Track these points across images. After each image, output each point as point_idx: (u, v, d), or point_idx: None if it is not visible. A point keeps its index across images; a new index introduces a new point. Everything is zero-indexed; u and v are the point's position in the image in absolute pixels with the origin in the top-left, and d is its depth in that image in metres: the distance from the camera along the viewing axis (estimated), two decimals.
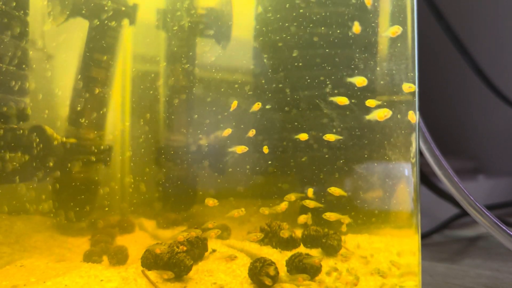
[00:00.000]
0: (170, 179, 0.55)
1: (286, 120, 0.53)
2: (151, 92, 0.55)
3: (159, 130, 0.56)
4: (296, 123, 0.53)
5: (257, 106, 0.50)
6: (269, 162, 0.53)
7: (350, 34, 0.48)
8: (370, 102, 0.51)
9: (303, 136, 0.49)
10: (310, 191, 0.49)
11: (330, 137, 0.49)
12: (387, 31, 0.48)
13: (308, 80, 0.50)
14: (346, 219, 0.52)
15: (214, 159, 0.54)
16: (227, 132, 0.53)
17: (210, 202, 0.50)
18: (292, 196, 0.49)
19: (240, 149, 0.53)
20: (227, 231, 0.51)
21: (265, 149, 0.50)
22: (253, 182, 0.53)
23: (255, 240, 0.49)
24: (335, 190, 0.48)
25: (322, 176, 0.50)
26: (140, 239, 0.51)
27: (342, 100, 0.49)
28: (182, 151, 0.55)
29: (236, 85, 0.54)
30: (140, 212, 0.54)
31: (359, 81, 0.48)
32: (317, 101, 0.53)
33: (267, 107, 0.53)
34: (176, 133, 0.55)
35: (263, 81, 0.54)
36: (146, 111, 0.55)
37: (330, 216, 0.48)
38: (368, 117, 0.48)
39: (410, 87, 0.47)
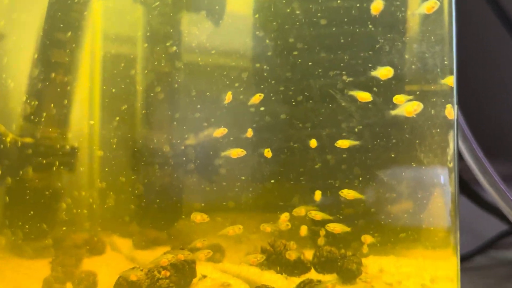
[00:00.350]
0: (150, 188, 0.54)
1: (293, 116, 0.53)
2: (126, 80, 0.54)
3: (137, 128, 0.54)
4: (305, 120, 0.52)
5: (258, 98, 0.51)
6: (273, 168, 0.52)
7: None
8: (398, 98, 0.50)
9: (312, 143, 0.50)
10: (317, 195, 0.50)
11: (343, 143, 0.50)
12: (421, 7, 0.48)
13: (320, 67, 0.51)
14: (367, 238, 0.51)
15: (205, 163, 0.53)
16: (221, 132, 0.52)
17: (198, 217, 0.50)
18: (302, 210, 0.51)
19: (236, 153, 0.51)
20: (220, 252, 0.52)
21: (267, 153, 0.51)
22: (253, 192, 0.53)
23: (255, 263, 0.51)
24: (348, 193, 0.49)
25: (338, 184, 0.51)
26: (112, 262, 0.52)
27: (364, 96, 0.49)
28: (165, 154, 0.53)
29: (232, 72, 0.53)
30: (112, 228, 0.53)
31: (384, 72, 0.49)
32: (331, 92, 0.52)
33: (261, 109, 0.52)
34: (158, 132, 0.54)
35: (264, 67, 0.53)
36: (121, 105, 0.54)
37: (335, 227, 0.49)
38: (394, 112, 0.50)
39: (449, 79, 0.49)
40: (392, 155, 0.51)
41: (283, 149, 0.52)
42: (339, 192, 0.50)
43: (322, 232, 0.51)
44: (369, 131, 0.52)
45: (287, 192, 0.52)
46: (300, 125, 0.53)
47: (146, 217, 0.54)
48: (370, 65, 0.50)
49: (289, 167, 0.52)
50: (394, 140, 0.51)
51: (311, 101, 0.52)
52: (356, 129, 0.51)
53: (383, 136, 0.51)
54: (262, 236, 0.52)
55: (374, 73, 0.50)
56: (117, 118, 0.54)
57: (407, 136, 0.51)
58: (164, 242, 0.53)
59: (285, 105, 0.53)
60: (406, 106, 0.50)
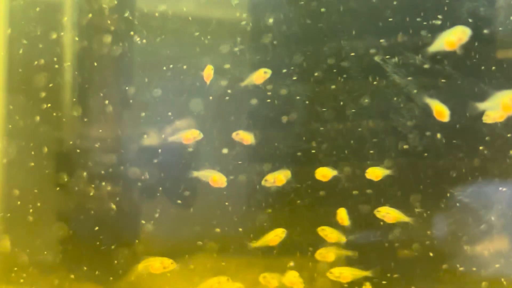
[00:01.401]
0: (83, 215, 0.40)
1: (320, 109, 0.40)
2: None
3: (63, 122, 0.41)
4: (341, 115, 0.40)
5: (260, 77, 0.38)
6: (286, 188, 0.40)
7: None
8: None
9: (323, 173, 0.39)
10: (342, 216, 0.39)
11: (375, 173, 0.39)
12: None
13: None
14: None
15: (173, 178, 0.41)
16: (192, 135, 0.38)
17: (156, 265, 0.37)
18: (331, 254, 0.40)
19: (217, 180, 0.38)
20: None
21: (278, 180, 0.39)
22: (252, 225, 0.40)
23: None
24: (387, 213, 0.39)
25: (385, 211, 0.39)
26: None
27: (440, 112, 0.36)
28: (109, 162, 0.40)
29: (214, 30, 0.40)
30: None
31: (455, 35, 0.35)
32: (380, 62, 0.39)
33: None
34: (96, 128, 0.40)
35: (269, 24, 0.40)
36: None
37: (342, 273, 0.39)
38: (483, 106, 0.35)
39: None
40: (476, 171, 0.39)
41: (300, 164, 0.41)
42: (375, 212, 0.39)
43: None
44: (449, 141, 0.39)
45: (309, 222, 0.40)
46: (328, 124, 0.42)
47: (79, 262, 0.40)
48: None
49: (309, 187, 0.41)
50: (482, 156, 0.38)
51: (350, 81, 0.41)
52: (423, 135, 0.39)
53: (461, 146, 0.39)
54: None
55: (433, 46, 0.36)
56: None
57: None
58: None
59: (307, 92, 0.41)
60: (503, 99, 0.34)
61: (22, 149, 0.40)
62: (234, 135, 0.38)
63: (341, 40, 0.40)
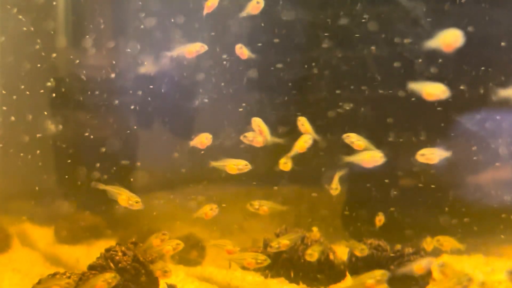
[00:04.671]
0: (79, 144, 0.39)
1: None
2: None
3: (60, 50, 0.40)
4: None
5: (255, 7, 0.36)
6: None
7: None
8: None
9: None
10: None
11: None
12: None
13: None
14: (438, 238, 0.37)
15: (172, 107, 0.40)
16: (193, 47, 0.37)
17: (123, 196, 0.36)
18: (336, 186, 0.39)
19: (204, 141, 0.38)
20: (198, 250, 0.39)
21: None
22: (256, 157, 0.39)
23: (253, 267, 0.36)
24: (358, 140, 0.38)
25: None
26: (23, 264, 0.39)
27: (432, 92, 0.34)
28: (105, 90, 0.38)
29: None
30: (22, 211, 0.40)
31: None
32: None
33: None
34: (95, 56, 0.39)
35: None
36: None
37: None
38: None
39: None
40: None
41: None
42: (344, 136, 0.37)
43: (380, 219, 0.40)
44: None
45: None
46: None
47: (74, 191, 0.41)
48: None
49: None
50: None
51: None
52: None
53: None
54: (264, 221, 0.41)
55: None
56: None
57: None
58: (102, 233, 0.41)
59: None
60: None
61: (17, 79, 0.39)
62: (237, 48, 0.37)
63: None
